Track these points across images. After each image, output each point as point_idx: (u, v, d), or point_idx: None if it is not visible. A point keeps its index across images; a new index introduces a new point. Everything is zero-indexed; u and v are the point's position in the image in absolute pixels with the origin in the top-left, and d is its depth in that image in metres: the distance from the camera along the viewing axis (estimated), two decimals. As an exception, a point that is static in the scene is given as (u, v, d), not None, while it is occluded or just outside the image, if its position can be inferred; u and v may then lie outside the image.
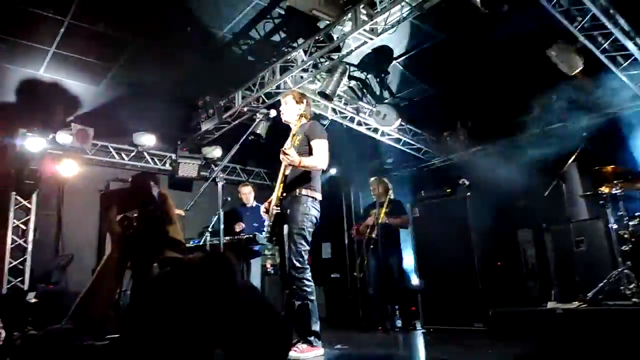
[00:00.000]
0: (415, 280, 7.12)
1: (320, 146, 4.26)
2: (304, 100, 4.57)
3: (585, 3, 4.81)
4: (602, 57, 5.52)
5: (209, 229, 6.51)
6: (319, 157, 4.21)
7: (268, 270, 7.55)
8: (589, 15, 4.98)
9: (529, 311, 5.80)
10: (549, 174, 6.06)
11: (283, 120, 4.58)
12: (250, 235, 6.57)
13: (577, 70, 5.63)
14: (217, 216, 5.72)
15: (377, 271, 6.98)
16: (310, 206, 4.19)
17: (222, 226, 5.10)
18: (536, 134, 7.49)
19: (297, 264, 4.05)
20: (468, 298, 6.06)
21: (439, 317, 6.33)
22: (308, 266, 4.11)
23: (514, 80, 6.74)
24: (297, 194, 4.19)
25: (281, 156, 4.07)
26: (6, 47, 6.09)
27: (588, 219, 6.18)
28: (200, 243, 6.59)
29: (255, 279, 6.83)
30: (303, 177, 4.24)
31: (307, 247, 4.14)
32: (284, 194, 4.23)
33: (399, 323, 6.85)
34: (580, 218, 6.29)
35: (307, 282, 4.08)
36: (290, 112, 4.50)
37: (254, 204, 7.54)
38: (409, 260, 7.42)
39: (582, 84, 6.12)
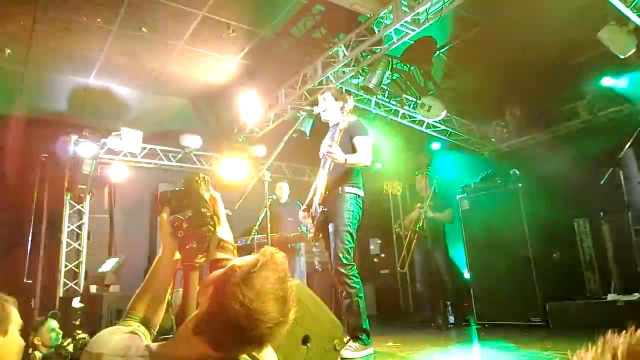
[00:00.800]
0: (466, 275, 6.97)
1: (364, 143, 4.22)
2: (344, 97, 4.52)
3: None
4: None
5: (256, 228, 6.58)
6: (364, 154, 4.18)
7: (316, 267, 7.55)
8: (642, -6, 4.74)
9: (588, 304, 5.60)
10: (604, 160, 5.81)
11: (323, 119, 4.54)
12: (297, 233, 6.59)
13: (630, 53, 5.36)
14: (263, 214, 5.77)
15: (424, 266, 6.87)
16: (354, 203, 4.16)
17: (269, 224, 5.12)
18: (589, 119, 7.20)
19: (345, 261, 4.02)
20: (523, 292, 5.88)
21: (494, 312, 6.17)
22: (355, 263, 4.07)
23: (563, 65, 6.50)
24: (340, 191, 4.16)
25: (327, 154, 4.04)
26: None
27: (648, 206, 5.90)
28: (248, 242, 6.65)
29: (297, 276, 6.83)
30: (346, 175, 4.21)
31: (353, 245, 4.11)
32: (328, 192, 4.19)
33: (452, 319, 6.70)
34: (639, 206, 6.00)
35: (355, 279, 4.04)
36: (330, 109, 4.46)
37: (288, 200, 7.64)
38: (459, 254, 7.26)
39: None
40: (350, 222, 4.11)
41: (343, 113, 4.22)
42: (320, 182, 4.25)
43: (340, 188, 4.18)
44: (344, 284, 4.03)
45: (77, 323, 4.09)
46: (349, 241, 4.05)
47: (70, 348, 3.75)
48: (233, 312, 1.26)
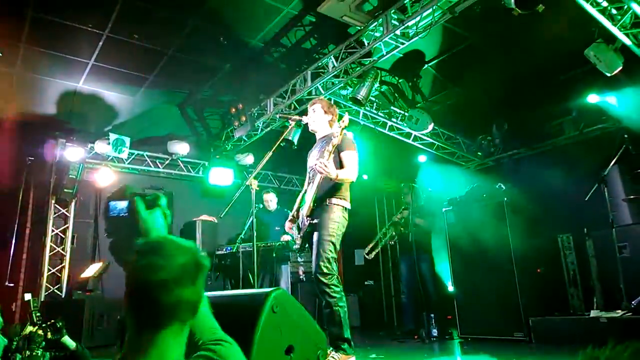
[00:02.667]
0: (450, 288, 6.98)
1: (352, 158, 4.23)
2: (333, 110, 4.54)
3: (624, 0, 4.64)
4: (643, 55, 5.32)
5: (242, 236, 6.56)
6: (352, 170, 4.19)
7: (300, 277, 7.52)
8: (629, 13, 4.81)
9: (571, 320, 5.62)
10: (589, 177, 5.86)
11: (310, 129, 4.55)
12: (283, 242, 6.57)
13: (617, 71, 5.44)
14: (249, 222, 5.75)
15: (409, 277, 6.88)
16: (340, 215, 4.17)
17: (254, 233, 5.10)
18: (575, 136, 7.28)
19: (325, 270, 4.02)
20: (506, 306, 5.88)
21: (477, 326, 6.16)
22: (335, 272, 4.07)
23: (550, 81, 6.57)
24: (327, 203, 4.17)
25: (318, 168, 4.03)
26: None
27: (632, 223, 5.94)
28: (233, 250, 6.63)
29: (282, 285, 6.81)
30: (334, 187, 4.22)
31: (335, 255, 4.11)
32: (315, 204, 4.20)
33: (435, 332, 6.69)
34: (623, 223, 6.04)
35: (335, 288, 4.04)
36: (318, 120, 4.47)
37: (276, 208, 7.59)
38: (443, 267, 7.27)
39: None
40: (334, 232, 4.11)
41: (336, 128, 4.23)
42: (309, 195, 4.25)
43: (327, 200, 4.19)
44: (323, 293, 4.03)
45: (38, 314, 4.01)
46: (330, 250, 4.06)
47: (40, 332, 3.70)
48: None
